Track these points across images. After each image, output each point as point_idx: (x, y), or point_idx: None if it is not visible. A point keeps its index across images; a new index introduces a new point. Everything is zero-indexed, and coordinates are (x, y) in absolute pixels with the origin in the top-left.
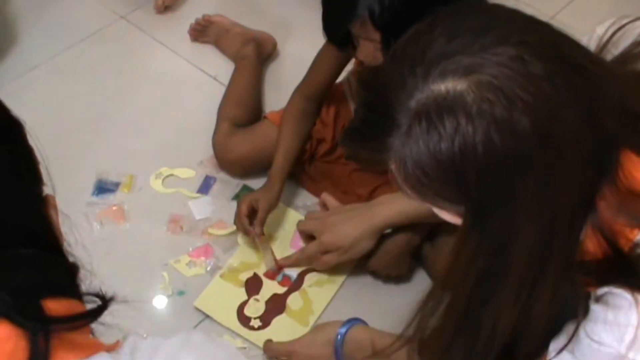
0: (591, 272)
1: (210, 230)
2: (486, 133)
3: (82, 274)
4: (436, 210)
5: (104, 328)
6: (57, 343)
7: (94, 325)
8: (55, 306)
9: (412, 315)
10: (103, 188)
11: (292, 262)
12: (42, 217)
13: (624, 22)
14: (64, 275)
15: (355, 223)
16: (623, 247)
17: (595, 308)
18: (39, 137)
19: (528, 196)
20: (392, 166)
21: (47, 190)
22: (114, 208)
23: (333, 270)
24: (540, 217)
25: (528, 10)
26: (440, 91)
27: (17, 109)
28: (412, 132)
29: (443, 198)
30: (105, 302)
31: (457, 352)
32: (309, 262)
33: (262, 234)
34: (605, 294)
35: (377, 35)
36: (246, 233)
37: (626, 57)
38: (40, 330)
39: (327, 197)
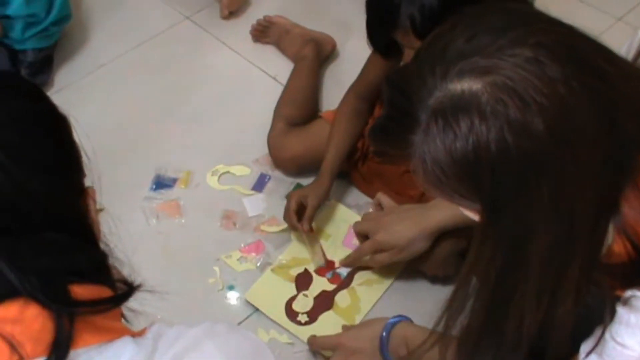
0: (617, 274)
1: (262, 227)
2: (499, 133)
3: (118, 263)
4: (460, 208)
5: (142, 316)
6: (82, 326)
7: (128, 312)
8: (81, 291)
9: (440, 314)
10: (161, 183)
11: (349, 262)
12: (78, 206)
13: None
14: (93, 262)
15: (410, 224)
16: None
17: (621, 311)
18: (103, 131)
19: (543, 196)
20: (414, 162)
21: (90, 183)
22: (171, 203)
23: (382, 270)
24: (557, 218)
25: (593, 12)
26: (457, 91)
27: (86, 104)
28: (430, 130)
29: (460, 195)
30: (131, 289)
31: (486, 351)
32: (363, 261)
33: (311, 230)
34: (631, 297)
35: (419, 43)
36: (294, 228)
37: None
38: (65, 313)
39: (383, 197)
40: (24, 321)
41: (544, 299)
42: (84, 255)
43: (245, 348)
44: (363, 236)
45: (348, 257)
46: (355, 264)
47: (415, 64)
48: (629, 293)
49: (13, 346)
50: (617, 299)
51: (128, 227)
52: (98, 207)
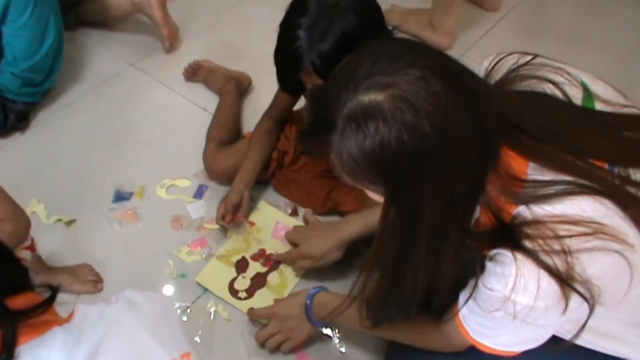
0: (484, 239)
1: (205, 225)
2: (398, 133)
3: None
4: (366, 191)
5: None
6: (21, 328)
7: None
8: (18, 301)
9: (355, 278)
10: (120, 196)
11: (279, 258)
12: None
13: (502, 56)
14: (19, 277)
15: (327, 238)
16: (505, 219)
17: (488, 265)
18: (72, 158)
19: (430, 180)
20: (332, 157)
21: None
22: (129, 212)
23: None
24: (441, 197)
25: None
26: (365, 101)
27: (56, 138)
28: (346, 132)
29: (369, 181)
30: (55, 291)
31: (391, 304)
32: (290, 263)
33: (236, 219)
34: (495, 254)
35: (321, 80)
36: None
37: (503, 81)
38: (7, 323)
39: (308, 214)
40: None
41: (431, 260)
42: (12, 273)
43: (157, 312)
44: (292, 243)
45: (279, 255)
46: (284, 262)
47: (332, 82)
48: (494, 251)
49: None
50: (485, 257)
51: (96, 232)
52: (70, 219)
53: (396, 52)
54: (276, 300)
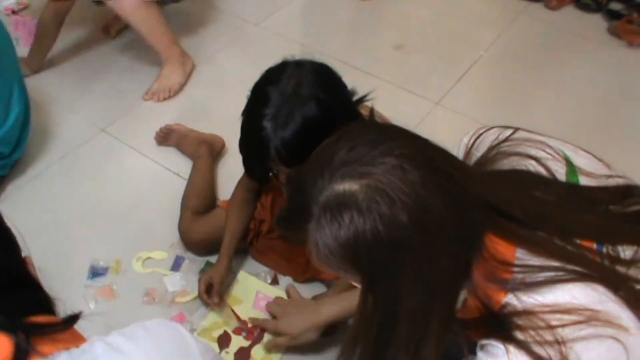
0: (472, 326)
1: (177, 299)
2: (373, 225)
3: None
4: (342, 276)
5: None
6: (42, 341)
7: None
8: (40, 319)
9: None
10: (96, 272)
11: (258, 324)
12: (25, 269)
13: (481, 131)
14: (43, 302)
15: (304, 318)
16: (494, 307)
17: (479, 355)
18: (41, 232)
19: (407, 270)
20: (309, 244)
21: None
22: (106, 288)
23: None
24: (419, 286)
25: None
26: (340, 190)
27: (24, 211)
28: (320, 221)
29: (345, 270)
30: (74, 317)
31: None
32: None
33: (221, 301)
34: (486, 344)
35: (287, 169)
36: (208, 304)
37: (484, 160)
38: (21, 334)
39: (291, 289)
40: None
41: (411, 347)
42: (36, 297)
43: (166, 337)
44: (272, 315)
45: (257, 321)
46: (262, 329)
47: (309, 168)
48: (484, 341)
49: None
50: (472, 342)
51: (73, 310)
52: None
53: (373, 139)
54: None
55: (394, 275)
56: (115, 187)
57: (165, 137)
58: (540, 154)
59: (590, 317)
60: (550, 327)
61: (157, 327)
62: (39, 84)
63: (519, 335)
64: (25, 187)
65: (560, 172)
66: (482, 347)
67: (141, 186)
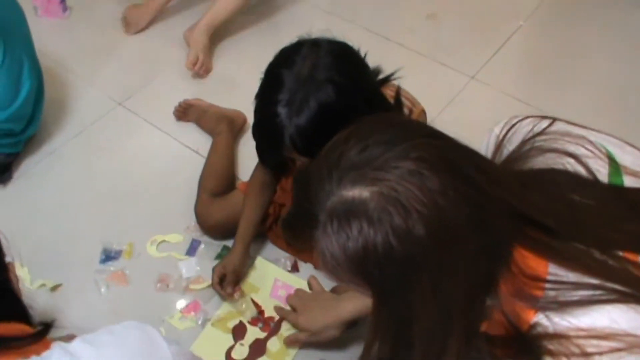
0: (498, 345)
1: (191, 286)
2: (385, 237)
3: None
4: (354, 289)
5: None
6: (4, 352)
7: None
8: (8, 328)
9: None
10: (108, 256)
11: (280, 313)
12: (6, 278)
13: (514, 121)
14: (18, 310)
15: (325, 313)
16: (522, 327)
17: None
18: (59, 214)
19: (423, 286)
20: (316, 252)
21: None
22: (118, 273)
23: None
24: (436, 302)
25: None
26: (349, 197)
27: (39, 189)
28: (327, 229)
29: (354, 283)
30: (47, 326)
31: None
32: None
33: (235, 292)
34: None
35: (304, 158)
36: (221, 295)
37: (515, 155)
38: None
39: (313, 281)
40: None
41: None
42: (12, 307)
43: (132, 341)
44: (292, 307)
45: (281, 310)
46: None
47: (315, 168)
48: None
49: None
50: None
51: (83, 298)
52: (56, 283)
53: (388, 138)
54: None
55: (409, 293)
56: (130, 165)
57: (185, 112)
58: (579, 150)
59: (631, 344)
60: (586, 355)
61: (124, 332)
62: (55, 54)
63: None
64: (41, 164)
65: (603, 172)
66: None
67: (158, 164)
